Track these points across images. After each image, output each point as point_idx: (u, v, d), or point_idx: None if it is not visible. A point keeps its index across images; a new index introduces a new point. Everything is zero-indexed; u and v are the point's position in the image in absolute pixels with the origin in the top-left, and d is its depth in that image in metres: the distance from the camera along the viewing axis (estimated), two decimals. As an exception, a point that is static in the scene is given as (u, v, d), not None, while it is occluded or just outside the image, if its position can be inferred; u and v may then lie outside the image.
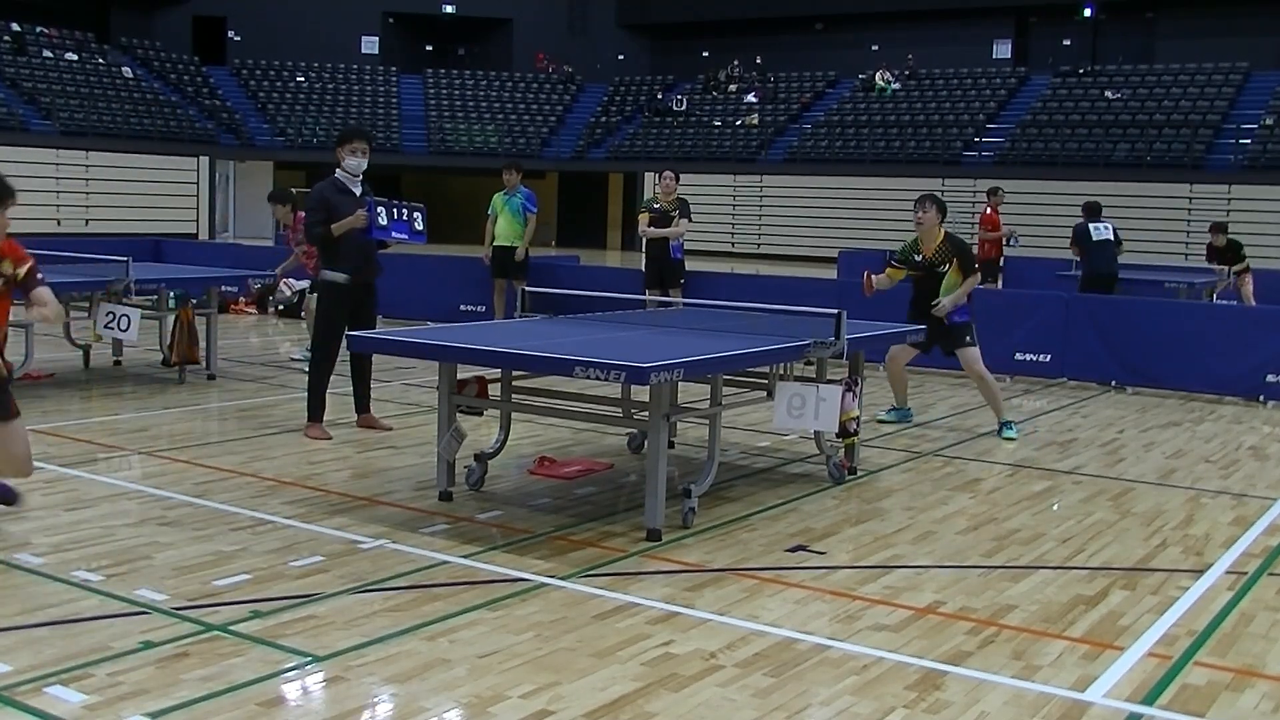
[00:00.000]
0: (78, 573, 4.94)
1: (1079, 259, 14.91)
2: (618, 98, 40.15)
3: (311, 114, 36.91)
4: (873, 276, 8.76)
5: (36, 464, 6.86)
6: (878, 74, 36.34)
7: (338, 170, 7.97)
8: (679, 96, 38.95)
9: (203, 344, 10.15)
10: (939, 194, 9.20)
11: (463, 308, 14.51)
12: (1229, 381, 11.02)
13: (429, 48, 43.32)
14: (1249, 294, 15.78)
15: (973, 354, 8.81)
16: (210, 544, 5.42)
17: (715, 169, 34.49)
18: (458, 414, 6.35)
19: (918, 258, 8.71)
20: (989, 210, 17.31)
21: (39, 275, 5.30)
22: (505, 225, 13.30)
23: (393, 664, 4.10)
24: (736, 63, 39.38)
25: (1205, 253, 16.88)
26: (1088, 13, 35.95)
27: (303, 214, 10.42)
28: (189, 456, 7.26)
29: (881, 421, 9.15)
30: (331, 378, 8.08)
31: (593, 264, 18.38)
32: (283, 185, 10.63)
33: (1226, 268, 16.00)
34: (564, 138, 38.58)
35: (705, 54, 40.79)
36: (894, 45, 37.27)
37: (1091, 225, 14.56)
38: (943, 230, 8.69)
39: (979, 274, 8.81)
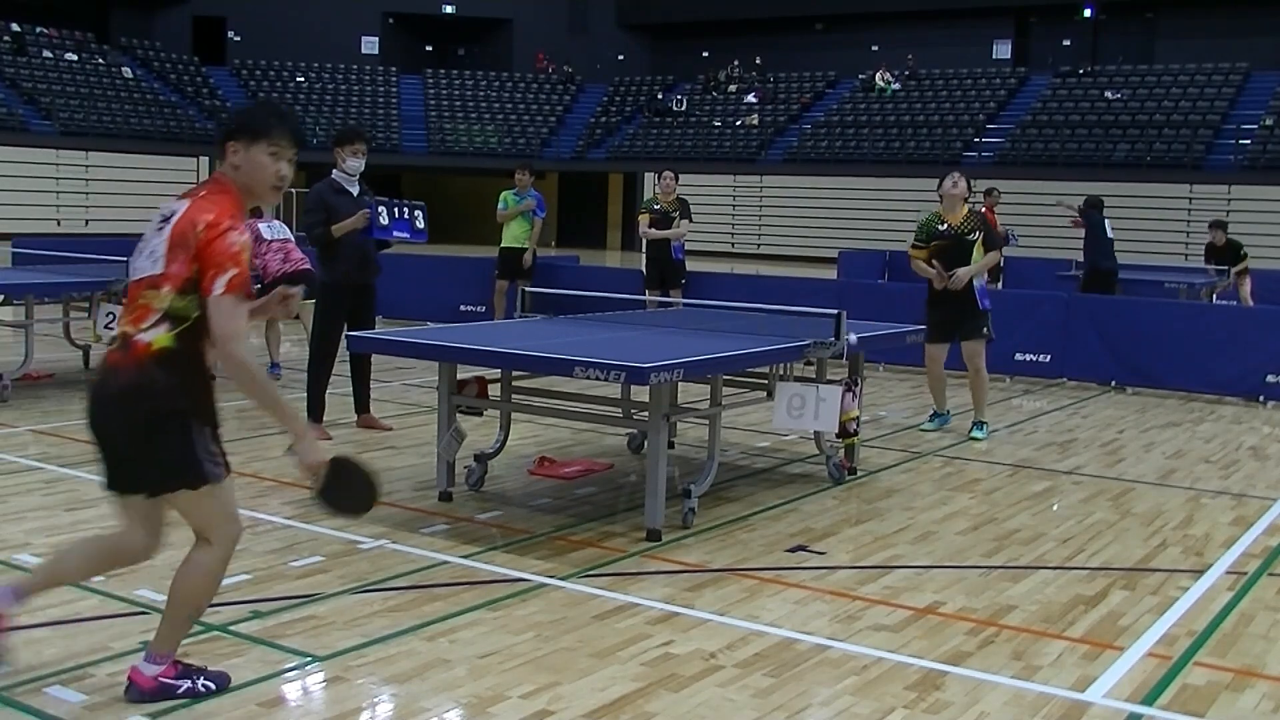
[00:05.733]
0: (78, 573, 4.93)
1: (1083, 242, 14.90)
2: (618, 98, 40.14)
3: (311, 114, 36.91)
4: (934, 265, 8.49)
5: (37, 464, 6.88)
6: (878, 74, 36.33)
7: (334, 171, 7.97)
8: (679, 96, 38.95)
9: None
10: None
11: (463, 308, 14.51)
12: (1229, 381, 11.01)
13: (429, 48, 43.33)
14: (1247, 294, 15.74)
15: (979, 347, 8.74)
16: (210, 544, 5.41)
17: (715, 169, 34.46)
18: (458, 414, 6.35)
19: (941, 227, 8.51)
20: (983, 210, 17.34)
21: None
22: (514, 227, 13.31)
23: (393, 664, 4.10)
24: (736, 63, 39.37)
25: (1204, 253, 16.84)
26: (1088, 13, 35.95)
27: None
28: (189, 456, 7.24)
29: (924, 430, 8.91)
30: (331, 378, 8.08)
31: (593, 264, 18.37)
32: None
33: (1228, 268, 15.94)
34: (564, 138, 38.57)
35: (705, 54, 40.77)
36: (894, 45, 37.24)
37: (1105, 221, 14.72)
38: (967, 206, 8.65)
39: (1001, 253, 8.64)
